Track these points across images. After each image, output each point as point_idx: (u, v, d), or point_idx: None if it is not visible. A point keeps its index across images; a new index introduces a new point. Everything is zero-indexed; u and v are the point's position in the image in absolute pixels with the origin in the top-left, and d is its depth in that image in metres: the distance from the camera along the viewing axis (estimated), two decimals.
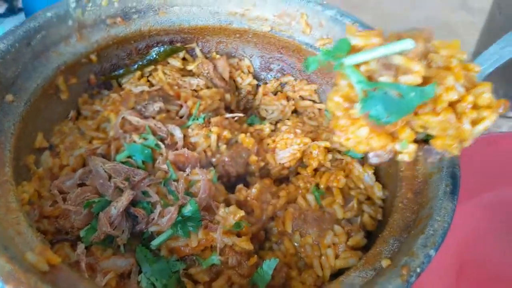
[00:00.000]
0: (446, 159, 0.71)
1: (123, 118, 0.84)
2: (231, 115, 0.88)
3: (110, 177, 0.76)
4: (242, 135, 0.84)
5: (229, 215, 0.72)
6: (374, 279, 0.60)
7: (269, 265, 0.69)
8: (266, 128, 0.89)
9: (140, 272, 0.70)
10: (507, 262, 0.90)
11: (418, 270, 0.58)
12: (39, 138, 0.83)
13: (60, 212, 0.74)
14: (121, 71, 0.96)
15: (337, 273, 0.73)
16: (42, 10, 0.84)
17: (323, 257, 0.74)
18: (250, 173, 0.86)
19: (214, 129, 0.82)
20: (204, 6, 0.99)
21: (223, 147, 0.83)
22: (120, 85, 0.98)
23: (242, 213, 0.73)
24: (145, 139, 0.80)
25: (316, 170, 0.88)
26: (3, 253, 0.53)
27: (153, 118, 0.85)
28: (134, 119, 0.83)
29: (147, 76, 0.98)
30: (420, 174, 0.74)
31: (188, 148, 0.81)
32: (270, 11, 0.99)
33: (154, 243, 0.70)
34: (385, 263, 0.61)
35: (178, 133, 0.81)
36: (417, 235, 0.62)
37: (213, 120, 0.84)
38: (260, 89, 1.05)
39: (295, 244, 0.77)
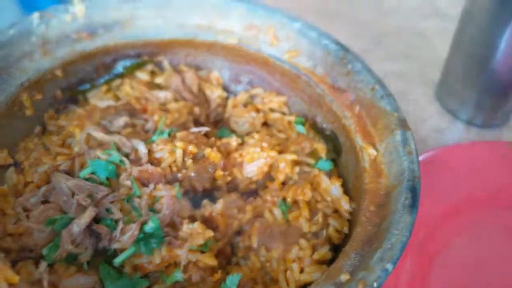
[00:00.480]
0: (406, 171, 0.72)
1: (88, 134, 0.83)
2: (197, 129, 0.88)
3: (73, 194, 0.76)
4: (208, 149, 0.84)
5: (195, 233, 0.72)
6: None
7: (232, 280, 0.69)
8: (233, 141, 0.89)
9: None
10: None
11: (375, 284, 0.58)
12: (4, 155, 0.82)
13: (23, 229, 0.73)
14: (87, 86, 0.96)
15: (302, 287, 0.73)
16: (5, 27, 0.84)
17: (288, 272, 0.74)
18: (217, 187, 0.86)
19: (179, 144, 0.81)
20: (170, 18, 0.99)
21: (189, 162, 0.83)
22: (86, 99, 0.97)
23: (211, 233, 0.73)
24: (109, 154, 0.79)
25: (284, 183, 0.88)
26: None
27: (119, 133, 0.84)
28: (99, 134, 0.83)
29: (115, 91, 0.98)
30: (383, 187, 0.75)
31: (153, 164, 0.80)
32: (237, 23, 0.99)
33: (117, 260, 0.69)
34: (344, 277, 0.62)
35: (142, 148, 0.81)
36: (376, 249, 0.63)
37: (178, 135, 0.84)
38: (230, 101, 1.05)
39: (261, 258, 0.77)
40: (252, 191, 0.89)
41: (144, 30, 0.97)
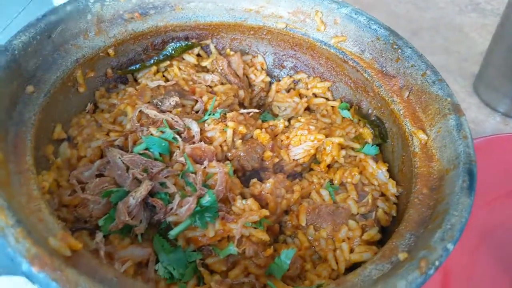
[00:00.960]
0: (462, 155, 0.72)
1: (140, 111, 0.85)
2: (246, 110, 0.89)
3: (127, 169, 0.77)
4: (258, 130, 0.85)
5: (249, 210, 0.73)
6: (391, 272, 0.60)
7: (287, 254, 0.70)
8: (280, 124, 0.90)
9: (157, 261, 0.71)
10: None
11: (437, 263, 0.58)
12: (58, 130, 0.84)
13: (79, 201, 0.75)
14: (137, 66, 0.97)
15: (351, 267, 0.74)
16: (63, 3, 0.86)
17: (337, 251, 0.74)
18: (264, 168, 0.87)
19: (230, 124, 0.83)
20: (220, 2, 1.00)
21: (238, 142, 0.84)
22: (135, 79, 0.99)
23: (266, 212, 0.74)
24: (162, 132, 0.81)
25: (329, 166, 0.89)
26: (28, 237, 0.53)
27: (169, 112, 0.86)
28: (152, 112, 0.84)
29: (163, 72, 0.99)
30: (435, 171, 0.75)
31: (204, 142, 0.82)
32: (285, 8, 1.00)
33: (173, 232, 0.71)
34: (402, 256, 0.62)
35: (195, 127, 0.82)
36: (434, 230, 0.63)
37: (229, 115, 0.85)
38: (273, 86, 1.06)
39: (309, 237, 0.77)
40: (297, 174, 0.90)
41: (194, 13, 0.99)
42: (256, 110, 0.91)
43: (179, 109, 0.87)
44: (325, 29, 0.98)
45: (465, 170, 0.69)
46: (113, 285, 0.54)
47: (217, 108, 0.87)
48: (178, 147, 0.80)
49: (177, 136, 0.81)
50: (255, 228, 0.71)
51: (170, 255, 0.70)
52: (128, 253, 0.71)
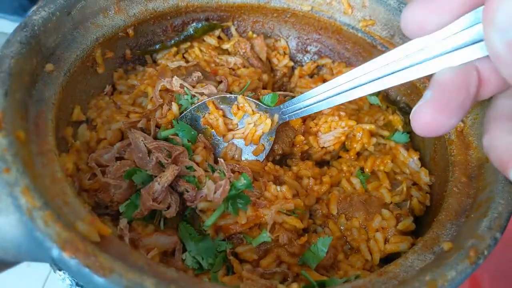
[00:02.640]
0: None
1: (162, 85, 0.81)
2: (281, 93, 0.85)
3: (149, 152, 0.74)
4: None
5: (282, 196, 0.70)
6: (436, 262, 0.57)
7: (323, 242, 0.67)
8: None
9: (183, 250, 0.67)
10: None
11: (486, 252, 0.55)
12: (76, 111, 0.80)
13: (99, 185, 0.72)
14: (157, 46, 0.93)
15: (385, 258, 0.71)
16: None
17: (371, 241, 0.71)
18: (291, 155, 0.84)
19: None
20: None
21: None
22: (154, 61, 0.95)
23: (301, 202, 0.72)
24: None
25: (358, 154, 0.86)
26: (58, 220, 0.50)
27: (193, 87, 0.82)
28: (177, 82, 0.80)
29: (183, 53, 0.96)
30: (473, 159, 0.72)
31: None
32: None
33: (208, 222, 0.67)
34: (446, 246, 0.59)
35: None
36: (480, 218, 0.60)
37: (262, 91, 0.82)
38: (296, 71, 1.02)
39: (341, 227, 0.74)
40: (325, 161, 0.87)
41: None
42: (292, 94, 0.87)
43: (204, 84, 0.84)
44: (352, 12, 0.94)
45: None
46: (145, 272, 0.51)
47: (249, 93, 0.84)
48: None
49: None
50: (289, 215, 0.68)
51: (199, 244, 0.67)
52: (153, 241, 0.68)
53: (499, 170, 0.50)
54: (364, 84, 0.58)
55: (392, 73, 0.55)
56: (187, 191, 0.69)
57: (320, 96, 0.67)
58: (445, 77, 0.49)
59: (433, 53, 0.50)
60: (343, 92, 0.62)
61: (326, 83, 0.65)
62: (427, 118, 0.49)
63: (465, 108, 0.49)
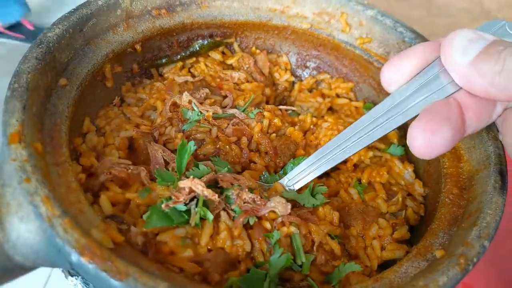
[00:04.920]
0: (493, 155, 0.72)
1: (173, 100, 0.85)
2: (284, 107, 0.89)
3: (167, 164, 0.77)
4: (291, 128, 0.86)
5: (328, 220, 0.76)
6: (429, 268, 0.61)
7: (351, 267, 0.69)
8: (308, 118, 0.90)
9: None
10: None
11: (475, 259, 0.59)
12: (87, 123, 0.84)
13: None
14: (164, 60, 0.97)
15: (382, 265, 0.74)
16: None
17: (368, 249, 0.75)
18: None
19: (267, 114, 0.83)
20: (245, 1, 1.01)
21: (272, 135, 0.84)
22: (160, 74, 0.99)
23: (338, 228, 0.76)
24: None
25: (355, 165, 0.89)
26: (76, 227, 0.53)
27: (201, 104, 0.86)
28: (186, 98, 0.84)
29: (189, 68, 1.00)
30: (465, 171, 0.76)
31: None
32: (310, 9, 1.01)
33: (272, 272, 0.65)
34: (438, 253, 0.63)
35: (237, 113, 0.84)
36: (470, 228, 0.64)
37: (266, 106, 0.87)
38: (296, 86, 1.06)
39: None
40: (325, 173, 0.90)
41: (220, 11, 0.99)
42: (294, 108, 0.92)
43: (212, 100, 0.88)
44: (350, 30, 0.99)
45: (497, 171, 0.70)
46: (158, 276, 0.54)
47: (252, 108, 0.88)
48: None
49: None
50: (333, 238, 0.72)
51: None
52: None
53: None
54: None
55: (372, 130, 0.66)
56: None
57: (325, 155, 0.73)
58: (429, 105, 0.56)
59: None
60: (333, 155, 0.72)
61: (329, 143, 0.73)
62: (418, 133, 0.53)
63: (454, 123, 0.54)
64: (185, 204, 0.65)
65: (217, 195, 0.65)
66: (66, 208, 0.58)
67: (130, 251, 0.60)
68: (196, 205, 0.64)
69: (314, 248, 0.69)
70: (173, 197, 0.65)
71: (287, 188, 0.77)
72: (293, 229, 0.67)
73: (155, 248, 0.62)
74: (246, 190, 0.66)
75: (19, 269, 0.58)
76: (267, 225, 0.67)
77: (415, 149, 0.55)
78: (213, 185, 0.69)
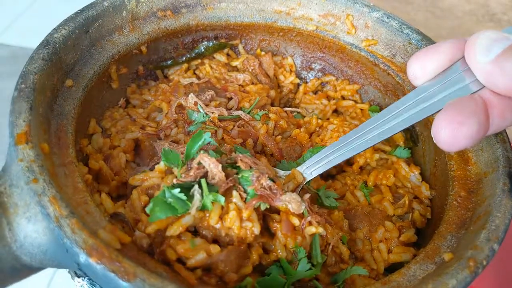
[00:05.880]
0: (501, 158, 0.72)
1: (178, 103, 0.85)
2: (289, 109, 0.89)
3: None
4: (297, 130, 0.85)
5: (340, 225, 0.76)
6: (438, 271, 0.61)
7: (357, 270, 0.69)
8: (314, 120, 0.90)
9: None
10: None
11: (484, 262, 0.58)
12: (92, 124, 0.84)
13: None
14: (169, 62, 0.97)
15: (389, 268, 0.74)
16: (99, 0, 0.86)
17: (375, 251, 0.75)
18: None
19: (272, 116, 0.83)
20: (251, 3, 1.01)
21: (278, 137, 0.84)
22: (166, 76, 0.99)
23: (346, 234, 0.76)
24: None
25: (361, 168, 0.89)
26: (84, 228, 0.53)
27: (206, 106, 0.86)
28: (192, 100, 0.83)
29: (194, 69, 1.00)
30: (472, 174, 0.75)
31: None
32: (315, 11, 1.01)
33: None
34: (447, 256, 0.62)
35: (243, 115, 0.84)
36: (479, 231, 0.63)
37: (272, 108, 0.86)
38: (301, 88, 1.06)
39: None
40: (330, 175, 0.90)
41: (225, 13, 0.99)
42: (299, 110, 0.91)
43: (217, 102, 0.88)
44: (355, 32, 0.99)
45: (505, 173, 0.70)
46: (166, 278, 0.54)
47: (257, 110, 0.87)
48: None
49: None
50: (343, 243, 0.72)
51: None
52: None
53: None
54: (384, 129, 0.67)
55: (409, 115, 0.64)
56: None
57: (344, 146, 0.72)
58: (455, 99, 0.57)
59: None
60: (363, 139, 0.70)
61: (350, 133, 0.72)
62: (444, 124, 0.54)
63: (480, 117, 0.54)
64: (193, 183, 0.63)
65: (221, 166, 0.64)
66: (74, 209, 0.58)
67: (137, 251, 0.60)
68: (200, 187, 0.63)
69: (329, 249, 0.68)
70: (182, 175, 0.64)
71: (304, 175, 0.76)
72: (320, 230, 0.66)
73: (164, 256, 0.61)
74: (266, 176, 0.65)
75: (27, 269, 0.58)
76: (295, 220, 0.66)
77: (440, 140, 0.56)
78: (230, 165, 0.69)
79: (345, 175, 0.87)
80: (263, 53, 1.04)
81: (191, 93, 0.83)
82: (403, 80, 0.92)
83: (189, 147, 0.68)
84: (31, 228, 0.55)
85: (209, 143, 0.69)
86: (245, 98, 0.91)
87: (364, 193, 0.82)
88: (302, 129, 0.86)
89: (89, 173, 0.74)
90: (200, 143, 0.68)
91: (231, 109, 0.89)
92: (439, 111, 0.58)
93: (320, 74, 1.08)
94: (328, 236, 0.68)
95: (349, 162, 0.90)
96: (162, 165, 0.69)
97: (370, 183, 0.84)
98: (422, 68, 0.61)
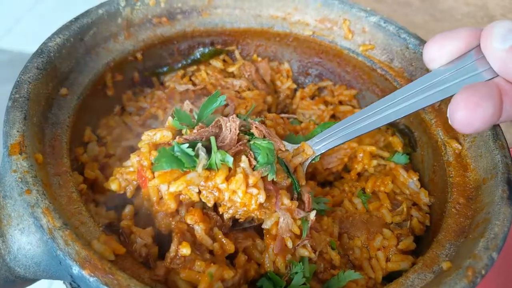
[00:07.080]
0: (500, 164, 0.71)
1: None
2: (286, 115, 0.89)
3: None
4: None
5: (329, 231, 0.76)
6: (436, 281, 0.60)
7: (350, 275, 0.68)
8: (310, 126, 0.90)
9: None
10: None
11: (483, 272, 0.58)
12: (88, 133, 0.83)
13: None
14: (165, 69, 0.97)
15: (387, 277, 0.73)
16: (95, 6, 0.85)
17: (373, 260, 0.74)
18: None
19: (268, 122, 0.83)
20: (247, 9, 1.00)
21: None
22: (161, 83, 0.99)
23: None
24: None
25: (359, 174, 0.89)
26: (77, 240, 0.53)
27: None
28: (188, 107, 0.82)
29: (190, 76, 0.99)
30: (471, 181, 0.75)
31: None
32: (312, 16, 1.00)
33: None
34: (445, 265, 0.62)
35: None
36: (477, 239, 0.62)
37: (268, 115, 0.85)
38: (298, 93, 1.05)
39: (343, 246, 0.77)
40: (328, 182, 0.90)
41: (221, 19, 0.99)
42: (296, 116, 0.91)
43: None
44: (352, 37, 0.98)
45: (504, 180, 0.69)
46: None
47: (253, 116, 0.87)
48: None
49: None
50: (333, 248, 0.72)
51: None
52: None
53: None
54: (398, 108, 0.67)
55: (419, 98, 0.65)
56: None
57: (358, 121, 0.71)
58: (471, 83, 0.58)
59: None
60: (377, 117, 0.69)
61: (362, 110, 0.71)
62: (461, 105, 0.55)
63: (495, 101, 0.55)
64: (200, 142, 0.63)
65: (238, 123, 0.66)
66: (67, 220, 0.57)
67: (132, 263, 0.59)
68: (206, 148, 0.62)
69: (316, 254, 0.68)
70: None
71: (313, 149, 0.75)
72: (313, 255, 0.67)
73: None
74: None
75: (20, 281, 0.58)
76: (289, 243, 0.66)
77: (456, 121, 0.57)
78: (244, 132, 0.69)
79: (343, 182, 0.87)
80: (259, 58, 1.04)
81: (187, 100, 0.83)
82: (400, 85, 0.91)
83: (203, 107, 0.67)
84: (25, 240, 0.55)
85: (226, 105, 0.68)
86: (241, 105, 0.90)
87: (362, 200, 0.81)
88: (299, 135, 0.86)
89: (85, 182, 0.74)
90: (215, 104, 0.67)
91: (227, 115, 0.89)
92: (451, 96, 0.59)
93: (317, 79, 1.07)
94: (315, 242, 0.68)
95: (347, 168, 0.89)
96: (172, 121, 0.68)
97: (368, 190, 0.83)
98: (439, 50, 0.62)
